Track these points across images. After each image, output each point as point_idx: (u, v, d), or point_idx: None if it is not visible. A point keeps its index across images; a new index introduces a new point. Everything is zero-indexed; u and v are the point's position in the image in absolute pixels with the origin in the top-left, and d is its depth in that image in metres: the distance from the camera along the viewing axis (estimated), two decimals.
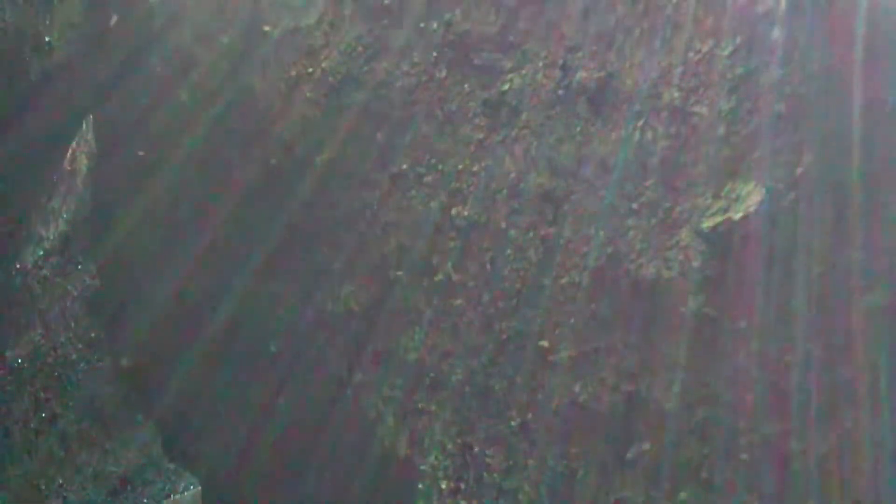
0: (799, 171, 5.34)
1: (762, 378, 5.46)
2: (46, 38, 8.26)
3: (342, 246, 7.59)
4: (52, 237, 8.80)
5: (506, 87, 6.84)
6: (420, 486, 6.96)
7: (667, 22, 6.07)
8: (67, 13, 8.55)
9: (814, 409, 5.26)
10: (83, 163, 9.04)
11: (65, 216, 8.89)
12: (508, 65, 6.88)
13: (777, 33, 5.45)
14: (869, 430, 5.09)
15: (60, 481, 8.51)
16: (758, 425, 5.45)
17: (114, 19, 9.20)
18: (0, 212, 8.44)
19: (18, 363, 8.54)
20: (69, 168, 8.92)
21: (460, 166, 6.94)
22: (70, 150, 9.00)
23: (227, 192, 8.14)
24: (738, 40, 5.65)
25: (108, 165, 8.90)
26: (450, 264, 6.97)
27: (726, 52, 5.69)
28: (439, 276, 7.00)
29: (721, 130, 5.71)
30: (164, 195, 8.47)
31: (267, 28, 8.29)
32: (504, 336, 6.66)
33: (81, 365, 8.77)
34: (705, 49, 5.81)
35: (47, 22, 8.21)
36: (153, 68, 8.81)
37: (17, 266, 8.51)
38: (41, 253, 8.72)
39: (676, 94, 5.92)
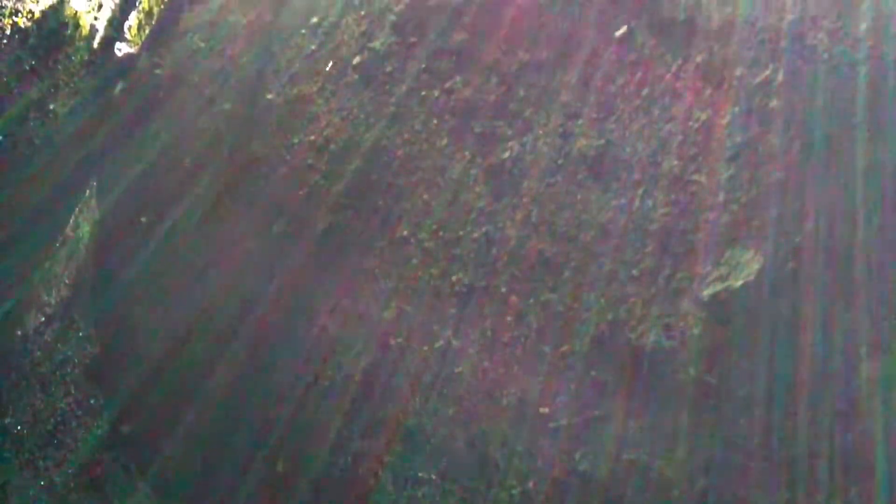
0: (799, 239, 5.35)
1: (765, 447, 5.42)
2: (51, 106, 8.34)
3: (342, 312, 7.58)
4: (53, 302, 8.80)
5: (506, 154, 6.88)
6: None
7: (666, 91, 6.13)
8: (72, 81, 8.63)
9: (817, 478, 5.22)
10: (86, 229, 9.07)
11: (66, 282, 8.89)
12: (509, 132, 6.93)
13: (776, 102, 5.50)
14: (873, 501, 5.04)
15: None
16: (761, 495, 5.40)
17: (118, 87, 9.29)
18: (1, 277, 8.45)
19: (18, 430, 8.49)
20: (71, 234, 8.94)
21: (461, 233, 6.95)
22: (73, 216, 9.03)
23: (229, 259, 8.15)
24: (737, 109, 5.70)
25: (110, 231, 8.92)
26: (450, 330, 6.95)
27: (725, 121, 5.74)
28: (439, 343, 6.98)
29: (721, 198, 5.73)
30: (166, 261, 8.48)
31: (270, 95, 8.37)
32: (504, 403, 6.62)
33: (81, 432, 8.71)
34: (704, 118, 5.86)
35: (52, 90, 8.29)
36: (157, 135, 8.87)
37: (18, 332, 8.50)
38: (42, 318, 8.71)
39: (676, 163, 5.95)
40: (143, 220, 8.67)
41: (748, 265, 5.55)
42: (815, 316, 5.29)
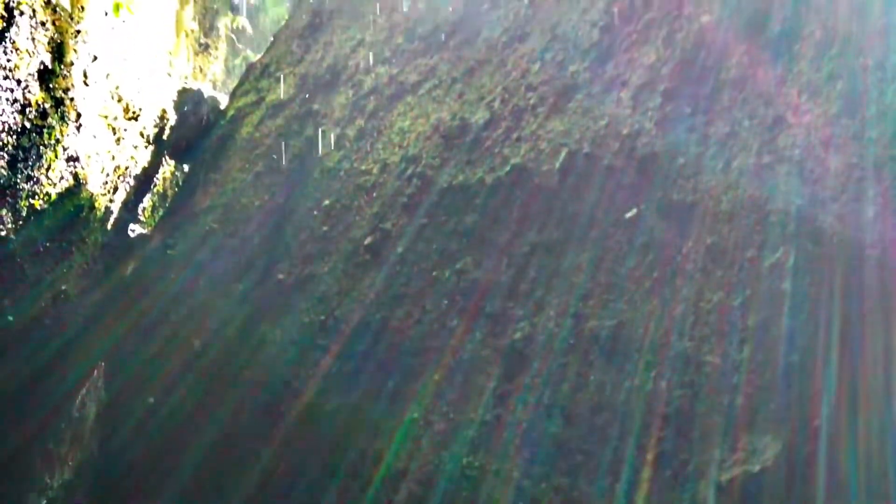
0: (817, 422, 5.27)
1: None
2: (63, 287, 8.38)
3: (351, 494, 7.43)
4: (55, 486, 8.65)
5: (518, 335, 6.86)
6: None
7: (676, 273, 6.15)
8: (85, 262, 8.70)
9: None
10: (91, 410, 8.99)
11: (70, 464, 8.77)
12: (520, 312, 6.93)
13: (787, 284, 5.51)
14: None
15: None
16: None
17: (131, 268, 9.35)
18: (4, 458, 8.32)
19: None
20: (77, 414, 8.86)
21: (472, 415, 6.87)
22: (79, 397, 8.97)
23: (237, 441, 8.05)
24: (748, 292, 5.70)
25: (116, 412, 8.84)
26: None
27: (737, 303, 5.73)
28: None
29: (735, 380, 5.68)
30: (173, 443, 8.37)
31: (281, 276, 8.42)
32: None
33: None
34: (716, 299, 5.86)
35: (65, 271, 8.34)
36: (167, 316, 8.88)
37: None
38: (44, 502, 8.54)
39: (689, 344, 5.92)
40: (151, 400, 8.60)
41: (766, 449, 5.45)
42: (838, 502, 5.18)
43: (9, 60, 6.74)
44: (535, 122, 7.53)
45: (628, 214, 6.57)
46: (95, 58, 8.03)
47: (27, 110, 7.08)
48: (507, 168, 7.46)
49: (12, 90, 6.87)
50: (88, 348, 8.90)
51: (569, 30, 7.89)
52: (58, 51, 7.36)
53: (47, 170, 7.64)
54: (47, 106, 7.33)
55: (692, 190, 6.30)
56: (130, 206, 9.94)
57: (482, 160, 7.70)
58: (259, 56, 11.41)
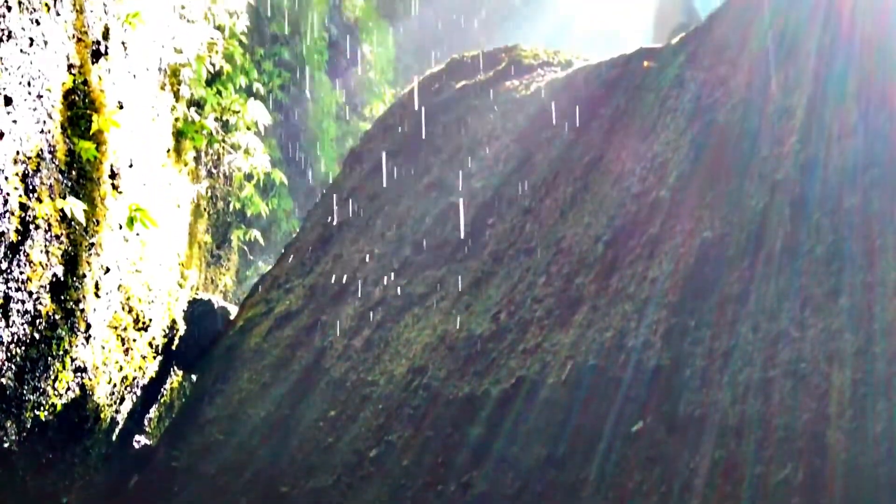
0: None
1: None
2: (64, 500, 8.31)
3: None
4: None
5: None
6: None
7: (684, 488, 6.05)
8: (88, 474, 8.66)
9: None
10: None
11: None
12: None
13: (796, 502, 5.41)
14: None
15: None
16: None
17: (134, 480, 9.27)
18: None
19: None
20: None
21: None
22: None
23: None
24: None
25: None
26: None
27: None
28: None
29: None
30: None
31: (284, 488, 8.32)
32: None
33: None
34: None
35: (67, 483, 8.29)
36: None
37: None
38: None
39: None
40: None
41: None
42: None
43: (22, 273, 6.86)
44: (540, 335, 7.58)
45: (635, 427, 6.52)
46: (108, 270, 8.17)
47: (37, 321, 7.16)
48: (513, 380, 7.47)
49: (24, 302, 6.96)
50: None
51: (573, 244, 8.03)
52: (71, 263, 7.49)
53: (54, 381, 7.66)
54: (57, 317, 7.42)
55: (699, 403, 6.27)
56: (136, 416, 9.94)
57: (488, 372, 7.72)
58: (270, 268, 11.63)
